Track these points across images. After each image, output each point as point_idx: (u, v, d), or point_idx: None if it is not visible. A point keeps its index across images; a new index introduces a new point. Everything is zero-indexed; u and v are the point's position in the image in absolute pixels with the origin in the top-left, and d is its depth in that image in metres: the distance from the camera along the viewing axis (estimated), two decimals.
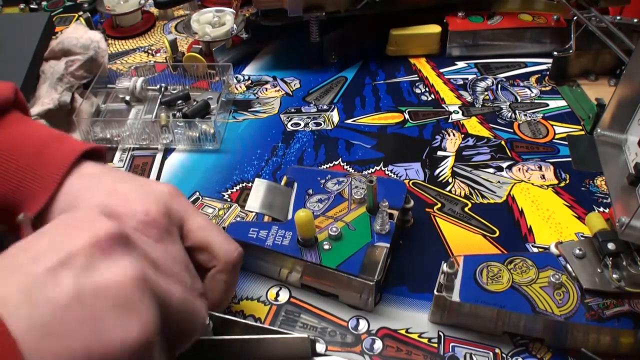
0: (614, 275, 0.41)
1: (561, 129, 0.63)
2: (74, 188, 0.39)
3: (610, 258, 0.42)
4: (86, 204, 0.38)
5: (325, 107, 0.68)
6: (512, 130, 0.63)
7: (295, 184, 0.52)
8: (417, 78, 0.72)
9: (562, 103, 0.66)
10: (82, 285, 0.27)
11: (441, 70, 0.73)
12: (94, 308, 0.27)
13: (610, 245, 0.42)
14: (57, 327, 0.26)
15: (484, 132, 0.63)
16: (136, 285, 0.28)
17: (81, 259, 0.28)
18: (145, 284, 0.28)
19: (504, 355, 0.42)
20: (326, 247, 0.45)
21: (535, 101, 0.67)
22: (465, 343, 0.43)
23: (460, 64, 0.74)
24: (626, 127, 0.47)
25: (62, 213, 0.37)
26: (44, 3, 0.92)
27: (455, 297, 0.42)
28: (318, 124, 0.65)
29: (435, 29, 0.74)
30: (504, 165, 0.58)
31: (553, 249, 0.47)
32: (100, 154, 0.43)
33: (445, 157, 0.60)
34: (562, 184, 0.56)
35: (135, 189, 0.39)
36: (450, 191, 0.56)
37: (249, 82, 0.73)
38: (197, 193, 0.57)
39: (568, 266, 0.43)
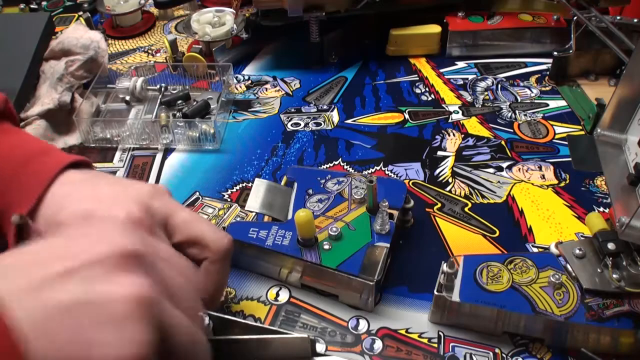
0: (614, 275, 0.41)
1: (561, 129, 0.63)
2: (57, 196, 0.39)
3: (610, 258, 0.42)
4: (69, 211, 0.38)
5: (325, 107, 0.68)
6: (512, 130, 0.63)
7: (295, 184, 0.52)
8: (417, 78, 0.72)
9: (562, 103, 0.66)
10: (85, 294, 0.27)
11: (441, 70, 0.73)
12: (89, 319, 0.26)
13: (610, 245, 0.42)
14: (50, 329, 0.26)
15: (484, 132, 0.63)
16: (138, 307, 0.27)
17: (93, 269, 0.27)
18: (150, 308, 0.28)
19: (504, 355, 0.42)
20: (326, 247, 0.45)
21: (535, 101, 0.67)
22: (465, 343, 0.43)
23: (460, 64, 0.74)
24: (626, 127, 0.47)
25: (47, 222, 0.38)
26: (44, 3, 0.92)
27: (455, 297, 0.42)
28: (318, 124, 0.65)
29: (435, 29, 0.74)
30: (504, 165, 0.58)
31: (553, 249, 0.47)
32: (86, 165, 0.43)
33: (445, 157, 0.60)
34: (562, 184, 0.56)
35: (116, 193, 0.39)
36: (450, 191, 0.56)
37: (249, 82, 0.73)
38: (197, 193, 0.57)
39: (568, 266, 0.43)
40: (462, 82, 0.71)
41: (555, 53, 0.68)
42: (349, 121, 0.66)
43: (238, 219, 0.54)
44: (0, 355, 0.24)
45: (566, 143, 0.61)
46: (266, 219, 0.51)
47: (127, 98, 0.67)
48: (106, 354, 0.26)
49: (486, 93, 0.69)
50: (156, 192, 0.40)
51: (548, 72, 0.71)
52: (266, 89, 0.72)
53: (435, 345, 0.43)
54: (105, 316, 0.27)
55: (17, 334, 0.24)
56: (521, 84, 0.70)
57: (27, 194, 0.38)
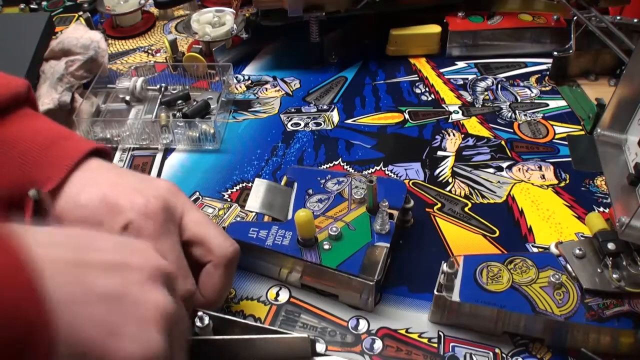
0: (614, 275, 0.41)
1: (561, 129, 0.63)
2: (80, 181, 0.40)
3: (610, 258, 0.42)
4: (89, 194, 0.39)
5: (325, 107, 0.68)
6: (512, 130, 0.63)
7: (295, 184, 0.52)
8: (417, 78, 0.72)
9: (562, 103, 0.66)
10: (123, 288, 0.29)
11: (441, 70, 0.73)
12: (119, 310, 0.28)
13: (610, 245, 0.42)
14: (79, 306, 0.27)
15: (484, 132, 0.63)
16: (163, 319, 0.30)
17: (136, 273, 0.30)
18: (171, 325, 0.30)
19: (504, 355, 0.42)
20: (326, 247, 0.45)
21: (535, 101, 0.67)
22: (465, 343, 0.43)
23: (460, 64, 0.74)
24: (626, 127, 0.47)
25: (68, 205, 0.39)
26: (44, 3, 0.92)
27: (455, 297, 0.42)
28: (318, 124, 0.65)
29: (435, 29, 0.74)
30: (504, 165, 0.58)
31: (553, 249, 0.47)
32: (106, 153, 0.44)
33: (445, 157, 0.60)
34: (562, 184, 0.56)
35: (137, 183, 0.41)
36: (450, 191, 0.56)
37: (249, 82, 0.73)
38: (197, 193, 0.57)
39: (568, 266, 0.43)
40: (462, 82, 0.71)
41: (555, 53, 0.68)
42: (349, 121, 0.66)
43: (238, 219, 0.54)
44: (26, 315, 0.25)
45: (566, 143, 0.61)
46: (266, 219, 0.51)
47: (127, 98, 0.67)
48: (123, 346, 0.28)
49: (486, 93, 0.69)
50: (175, 190, 0.42)
51: (548, 72, 0.70)
52: (266, 89, 0.72)
53: (435, 345, 0.43)
54: (134, 314, 0.29)
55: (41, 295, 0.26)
56: (521, 84, 0.70)
57: (50, 177, 0.39)
